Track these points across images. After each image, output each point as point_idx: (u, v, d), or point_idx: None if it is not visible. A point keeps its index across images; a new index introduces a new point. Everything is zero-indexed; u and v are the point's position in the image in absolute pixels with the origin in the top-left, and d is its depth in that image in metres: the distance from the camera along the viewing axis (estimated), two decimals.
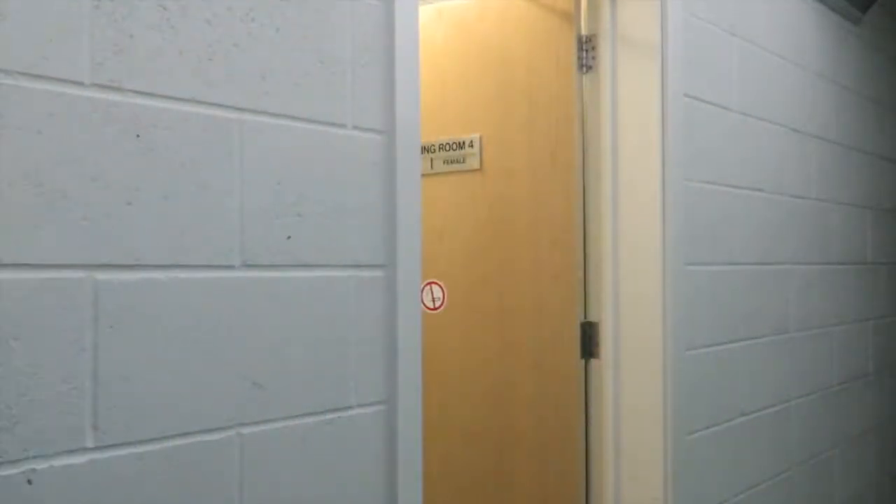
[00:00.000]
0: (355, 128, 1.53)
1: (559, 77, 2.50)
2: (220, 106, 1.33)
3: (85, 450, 1.17)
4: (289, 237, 1.42)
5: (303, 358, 1.44)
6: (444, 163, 2.71)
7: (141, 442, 1.23)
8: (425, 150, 2.71)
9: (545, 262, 2.50)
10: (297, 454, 1.43)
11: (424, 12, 2.66)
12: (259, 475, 1.38)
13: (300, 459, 1.43)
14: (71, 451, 1.16)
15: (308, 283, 1.45)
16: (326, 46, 1.48)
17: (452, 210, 2.66)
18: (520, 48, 2.56)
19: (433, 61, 2.68)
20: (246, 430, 1.36)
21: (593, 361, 2.43)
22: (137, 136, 1.23)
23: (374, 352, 1.56)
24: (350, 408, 1.52)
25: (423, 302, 2.64)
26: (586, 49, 2.45)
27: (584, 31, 2.46)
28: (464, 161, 2.70)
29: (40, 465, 1.13)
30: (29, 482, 1.12)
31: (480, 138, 2.65)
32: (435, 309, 2.65)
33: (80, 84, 1.17)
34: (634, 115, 2.38)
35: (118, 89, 1.21)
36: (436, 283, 2.66)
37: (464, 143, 2.71)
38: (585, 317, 2.43)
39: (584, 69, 2.46)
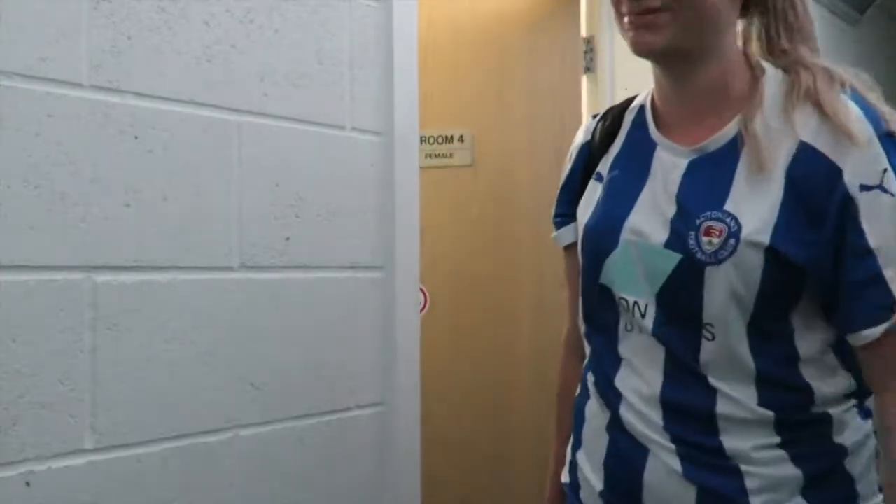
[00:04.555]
0: (354, 129, 1.53)
1: (566, 76, 2.47)
2: (218, 107, 1.33)
3: (83, 451, 1.17)
4: (287, 238, 1.42)
5: (301, 359, 1.44)
6: (426, 157, 2.51)
7: (139, 444, 1.23)
8: None
9: (549, 262, 2.46)
10: (295, 455, 1.43)
11: None
12: (257, 476, 1.38)
13: (298, 461, 1.43)
14: (69, 453, 1.15)
15: (306, 284, 1.45)
16: (325, 48, 1.48)
17: (436, 207, 2.38)
18: (520, 44, 2.52)
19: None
20: (244, 432, 1.36)
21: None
22: (136, 137, 1.23)
23: (372, 353, 1.55)
24: (348, 409, 1.52)
25: None
26: (585, 50, 2.45)
27: (583, 33, 2.46)
28: (451, 156, 2.60)
29: (38, 467, 1.12)
30: (27, 484, 1.11)
31: (472, 133, 2.57)
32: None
33: (78, 86, 1.17)
34: None
35: (117, 91, 1.21)
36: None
37: (451, 137, 2.58)
38: None
39: (584, 70, 2.46)
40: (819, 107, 0.96)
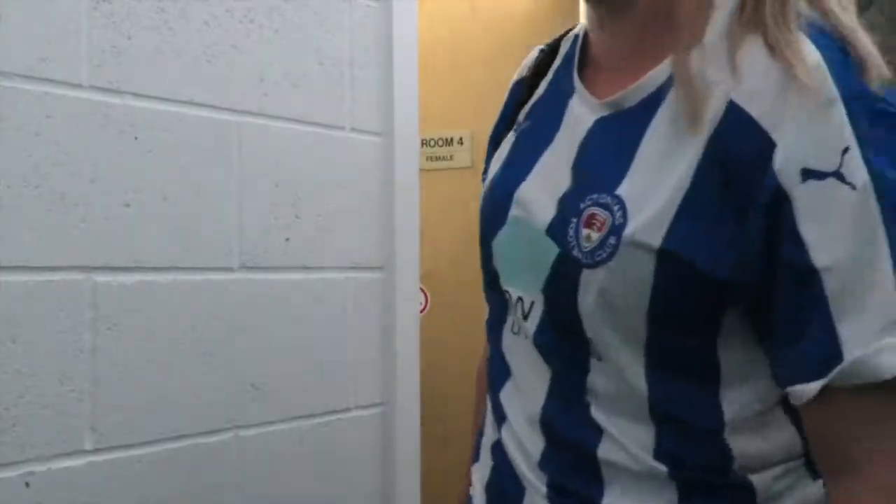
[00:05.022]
0: (353, 130, 1.53)
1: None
2: (218, 108, 1.33)
3: (83, 452, 1.17)
4: (287, 239, 1.42)
5: (301, 359, 1.44)
6: (427, 159, 2.56)
7: (139, 444, 1.23)
8: None
9: None
10: (295, 455, 1.43)
11: None
12: (257, 477, 1.38)
13: (298, 461, 1.43)
14: (69, 454, 1.15)
15: (306, 285, 1.45)
16: (325, 48, 1.48)
17: (436, 209, 2.40)
18: (520, 44, 2.51)
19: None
20: (244, 433, 1.36)
21: None
22: (136, 137, 1.23)
23: (372, 354, 1.55)
24: (348, 409, 1.52)
25: None
26: None
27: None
28: (451, 158, 2.61)
29: (38, 468, 1.12)
30: (27, 484, 1.11)
31: (472, 135, 2.58)
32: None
33: (78, 86, 1.17)
34: None
35: (116, 91, 1.21)
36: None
37: (451, 139, 2.60)
38: None
39: None
40: (767, 43, 0.64)
